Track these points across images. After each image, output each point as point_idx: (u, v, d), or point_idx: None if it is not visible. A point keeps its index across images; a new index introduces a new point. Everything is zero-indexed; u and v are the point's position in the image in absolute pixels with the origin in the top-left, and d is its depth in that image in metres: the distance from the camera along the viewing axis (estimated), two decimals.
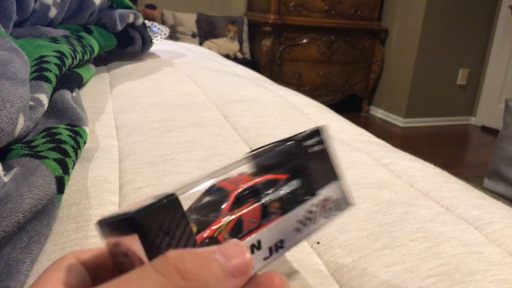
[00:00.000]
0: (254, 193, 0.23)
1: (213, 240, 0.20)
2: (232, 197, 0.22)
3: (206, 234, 0.20)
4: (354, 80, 3.27)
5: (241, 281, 0.18)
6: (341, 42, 3.12)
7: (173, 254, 0.17)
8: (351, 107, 3.38)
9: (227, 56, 2.88)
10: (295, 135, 0.26)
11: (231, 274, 0.17)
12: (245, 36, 3.12)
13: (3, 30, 0.56)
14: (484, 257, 0.32)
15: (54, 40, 0.69)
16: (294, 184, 0.24)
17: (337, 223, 0.36)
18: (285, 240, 0.22)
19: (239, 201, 0.22)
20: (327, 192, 0.25)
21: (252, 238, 0.21)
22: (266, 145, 0.27)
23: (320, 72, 3.14)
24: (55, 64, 0.57)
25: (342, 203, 0.26)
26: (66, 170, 0.36)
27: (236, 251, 0.18)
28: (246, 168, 0.25)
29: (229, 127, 0.59)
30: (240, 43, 3.09)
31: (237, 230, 0.21)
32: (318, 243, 0.34)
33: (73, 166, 0.40)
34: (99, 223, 0.20)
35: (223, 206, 0.22)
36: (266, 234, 0.22)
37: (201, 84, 0.84)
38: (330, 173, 0.26)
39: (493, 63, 3.02)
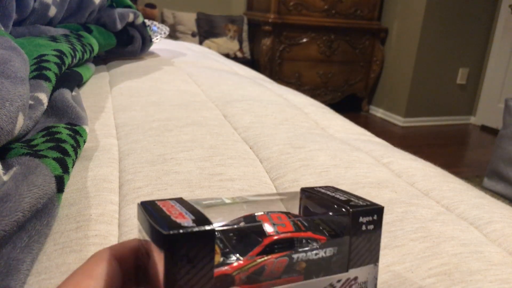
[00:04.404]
0: (287, 245, 0.22)
1: (229, 278, 0.20)
2: (264, 245, 0.22)
3: (225, 270, 0.20)
4: (354, 79, 3.27)
5: None
6: (341, 41, 3.11)
7: None
8: (351, 106, 3.38)
9: (227, 56, 2.88)
10: (355, 203, 0.24)
11: None
12: (245, 35, 3.12)
13: (2, 29, 0.56)
14: (484, 257, 0.32)
15: (53, 39, 0.69)
16: (329, 251, 0.23)
17: None
18: None
19: (270, 249, 0.22)
20: (358, 272, 0.24)
21: None
22: (320, 192, 0.25)
23: (320, 71, 3.14)
24: (55, 63, 0.57)
25: (362, 286, 0.24)
26: (65, 169, 0.36)
27: None
28: (291, 206, 0.24)
29: (229, 127, 0.59)
30: (240, 42, 3.09)
31: (256, 276, 0.21)
32: None
33: (73, 165, 0.40)
34: (141, 204, 0.20)
35: (252, 249, 0.21)
36: None
37: (201, 84, 0.84)
38: (370, 255, 0.24)
39: (493, 63, 3.01)
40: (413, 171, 0.48)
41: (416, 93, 3.03)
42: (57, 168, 0.35)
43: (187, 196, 0.39)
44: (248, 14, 3.20)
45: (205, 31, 3.02)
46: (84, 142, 0.45)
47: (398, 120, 3.12)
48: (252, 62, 3.06)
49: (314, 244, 0.23)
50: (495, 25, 3.00)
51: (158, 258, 0.18)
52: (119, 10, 0.93)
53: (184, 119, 0.59)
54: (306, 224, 0.24)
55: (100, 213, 0.35)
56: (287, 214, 0.24)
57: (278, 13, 2.90)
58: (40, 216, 0.31)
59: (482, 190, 0.46)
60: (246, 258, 0.21)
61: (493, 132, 2.92)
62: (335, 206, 0.24)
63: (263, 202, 0.25)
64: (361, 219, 0.23)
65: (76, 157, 0.41)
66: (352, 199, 0.24)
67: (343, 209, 0.24)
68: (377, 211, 0.24)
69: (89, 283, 0.19)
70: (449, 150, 2.63)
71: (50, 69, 0.54)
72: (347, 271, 0.23)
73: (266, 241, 0.21)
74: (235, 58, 2.95)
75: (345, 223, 0.24)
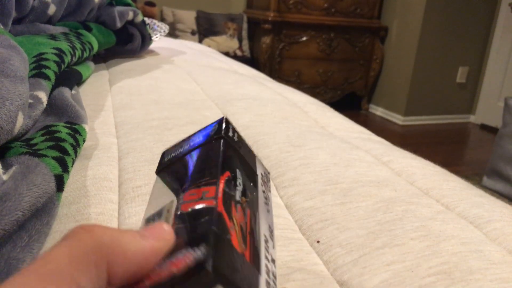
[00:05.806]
0: (227, 195, 0.20)
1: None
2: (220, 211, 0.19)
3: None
4: (354, 78, 3.26)
5: (160, 244, 0.17)
6: (340, 39, 3.11)
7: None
8: (350, 105, 3.38)
9: (226, 54, 2.87)
10: (211, 132, 0.24)
11: (143, 235, 0.17)
12: (244, 33, 3.12)
13: (2, 27, 0.56)
14: (484, 256, 0.32)
15: (53, 37, 0.69)
16: (240, 174, 0.24)
17: (337, 221, 0.35)
18: (270, 225, 0.24)
19: (227, 212, 0.20)
20: (259, 170, 0.27)
21: (262, 234, 0.22)
22: (181, 147, 0.25)
23: (320, 70, 3.14)
24: (54, 61, 0.57)
25: (267, 175, 0.28)
26: (65, 168, 0.36)
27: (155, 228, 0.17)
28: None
29: None
30: (240, 40, 3.09)
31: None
32: (318, 242, 0.34)
33: (72, 164, 0.40)
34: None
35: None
36: (263, 227, 0.23)
37: (200, 82, 0.84)
38: (251, 153, 0.27)
39: (493, 61, 3.01)
40: (413, 169, 0.48)
41: (416, 91, 3.03)
42: (57, 167, 0.35)
43: None
44: (248, 12, 3.19)
45: (205, 29, 3.02)
46: (84, 141, 0.45)
47: (397, 118, 3.12)
48: (251, 61, 3.06)
49: (230, 180, 0.22)
50: (495, 24, 2.99)
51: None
52: (118, 8, 0.93)
53: (184, 117, 0.59)
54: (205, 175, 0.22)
55: (100, 212, 0.35)
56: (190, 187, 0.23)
57: (278, 11, 2.90)
58: (40, 215, 0.31)
59: (481, 189, 0.46)
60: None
61: (493, 130, 2.92)
62: (202, 144, 0.24)
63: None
64: (230, 136, 0.24)
65: (76, 156, 0.41)
66: (210, 133, 0.25)
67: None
68: (227, 122, 0.25)
69: None
70: (449, 148, 2.63)
71: (49, 68, 0.54)
72: (256, 175, 0.26)
73: (222, 178, 0.21)
74: (235, 57, 2.95)
75: (226, 151, 0.23)
